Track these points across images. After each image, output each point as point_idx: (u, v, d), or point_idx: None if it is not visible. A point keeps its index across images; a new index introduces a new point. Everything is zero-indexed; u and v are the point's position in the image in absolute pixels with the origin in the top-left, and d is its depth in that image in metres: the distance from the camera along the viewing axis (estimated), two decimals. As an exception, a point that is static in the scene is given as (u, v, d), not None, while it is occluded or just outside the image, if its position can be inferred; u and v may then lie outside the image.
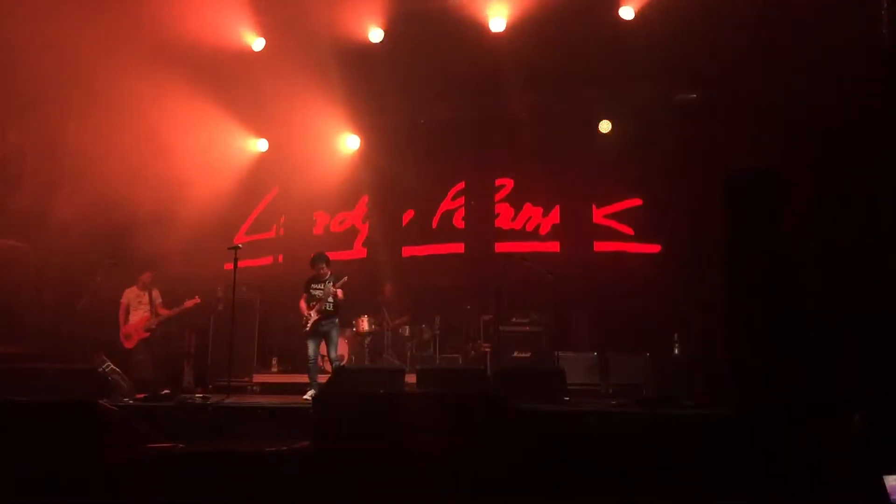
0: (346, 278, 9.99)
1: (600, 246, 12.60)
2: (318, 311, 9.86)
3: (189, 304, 10.74)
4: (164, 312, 10.75)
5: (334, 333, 10.02)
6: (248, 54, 12.19)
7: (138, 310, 10.70)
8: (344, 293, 9.97)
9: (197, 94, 12.40)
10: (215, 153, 13.17)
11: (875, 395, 5.81)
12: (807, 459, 5.38)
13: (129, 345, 10.58)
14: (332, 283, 9.89)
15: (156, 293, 10.83)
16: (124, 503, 5.60)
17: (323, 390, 9.13)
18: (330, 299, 9.89)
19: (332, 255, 10.51)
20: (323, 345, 10.03)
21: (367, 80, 12.39)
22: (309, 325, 9.87)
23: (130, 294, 10.80)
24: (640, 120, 12.16)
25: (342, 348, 10.59)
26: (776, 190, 7.29)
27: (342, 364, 10.54)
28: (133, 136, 12.44)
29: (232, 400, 8.87)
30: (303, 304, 10.04)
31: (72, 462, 5.65)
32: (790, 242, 7.94)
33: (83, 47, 10.72)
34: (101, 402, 6.28)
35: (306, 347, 9.90)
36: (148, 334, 10.60)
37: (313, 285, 10.03)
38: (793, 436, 5.73)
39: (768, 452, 5.66)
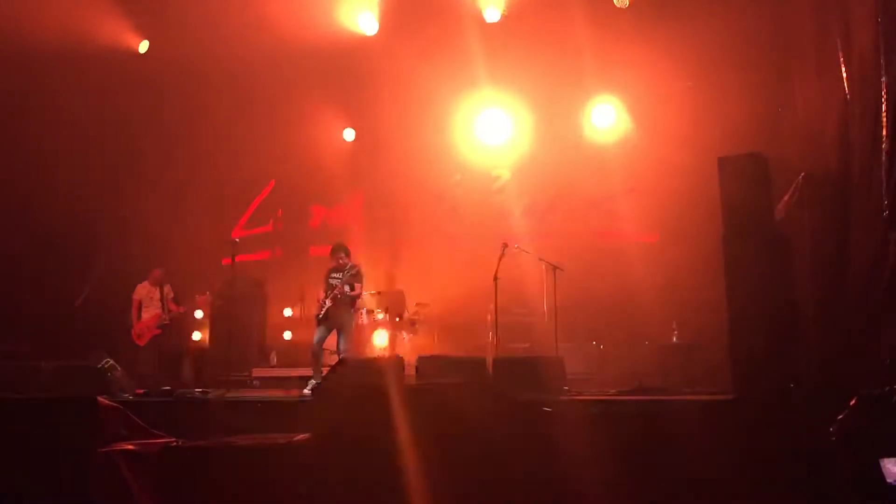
0: (358, 268, 10.02)
1: (599, 235, 12.61)
2: (333, 300, 9.87)
3: (200, 299, 10.75)
4: (176, 309, 10.73)
5: (347, 324, 10.04)
6: (241, 49, 12.16)
7: (150, 306, 10.67)
8: (361, 283, 10.03)
9: (193, 90, 12.41)
10: (214, 148, 13.17)
11: (872, 379, 5.81)
12: (804, 443, 5.39)
13: (141, 342, 10.57)
14: (349, 273, 9.92)
15: (167, 289, 10.78)
16: (124, 499, 5.61)
17: (322, 383, 9.14)
18: (346, 289, 9.90)
19: (329, 248, 10.50)
20: (332, 338, 10.04)
21: (363, 71, 12.39)
22: (322, 312, 9.89)
23: (142, 290, 10.75)
24: (635, 108, 12.14)
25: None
26: (768, 173, 7.29)
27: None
28: (128, 133, 12.46)
29: (231, 394, 8.88)
30: (320, 294, 10.06)
31: (71, 459, 5.65)
32: (785, 225, 7.96)
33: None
34: (100, 398, 6.26)
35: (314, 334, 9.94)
36: (160, 331, 10.56)
37: (332, 274, 10.06)
38: (791, 420, 5.74)
39: (767, 437, 5.67)
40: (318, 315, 9.97)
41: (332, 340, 10.06)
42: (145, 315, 10.64)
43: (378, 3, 11.82)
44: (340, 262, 10.09)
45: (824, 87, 7.92)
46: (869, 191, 6.72)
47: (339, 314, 9.90)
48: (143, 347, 10.52)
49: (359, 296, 10.12)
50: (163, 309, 10.61)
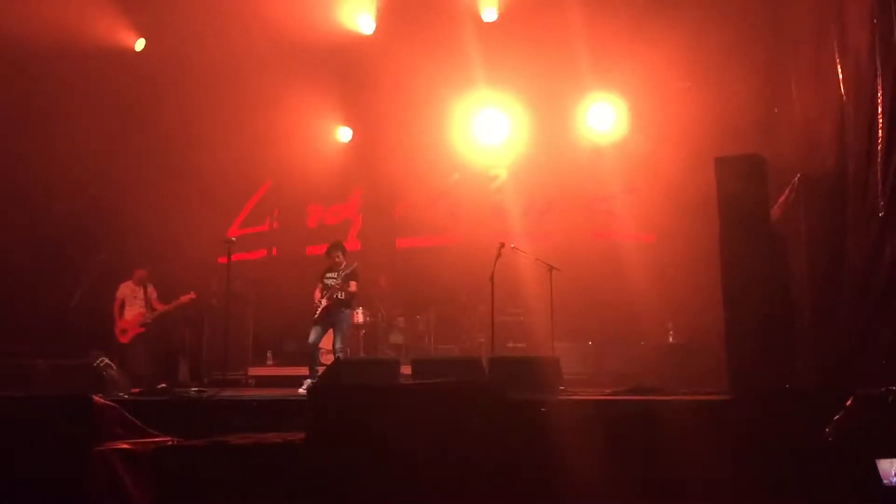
0: (355, 264, 10.02)
1: (595, 235, 12.61)
2: (329, 299, 9.86)
3: (184, 299, 10.76)
4: (160, 307, 10.78)
5: (344, 323, 10.03)
6: (238, 47, 12.14)
7: (133, 305, 10.73)
8: (357, 281, 10.00)
9: (188, 88, 12.38)
10: (210, 146, 13.13)
11: (868, 379, 5.82)
12: (801, 444, 5.39)
13: (124, 339, 10.61)
14: (344, 272, 9.91)
15: (151, 288, 10.87)
16: (120, 498, 5.59)
17: (318, 382, 9.13)
18: (343, 288, 9.88)
19: (325, 248, 10.48)
20: (327, 337, 10.02)
21: (360, 69, 12.38)
22: (318, 312, 9.88)
23: (126, 289, 10.82)
24: (633, 109, 12.14)
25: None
26: (765, 174, 7.28)
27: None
28: (124, 132, 12.43)
29: (227, 393, 8.85)
30: (317, 293, 10.05)
31: (66, 457, 5.63)
32: (782, 226, 7.97)
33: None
34: (95, 396, 6.25)
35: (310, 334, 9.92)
36: (144, 329, 10.64)
37: (328, 274, 10.07)
38: (787, 420, 5.74)
39: (763, 437, 5.67)
40: (314, 315, 9.96)
41: (327, 339, 10.06)
42: (128, 314, 10.70)
43: (375, 2, 11.81)
44: (336, 260, 10.10)
45: (821, 88, 7.94)
46: (865, 191, 6.73)
47: (334, 313, 9.89)
48: (128, 345, 10.59)
49: (355, 295, 10.11)
50: (146, 308, 10.67)
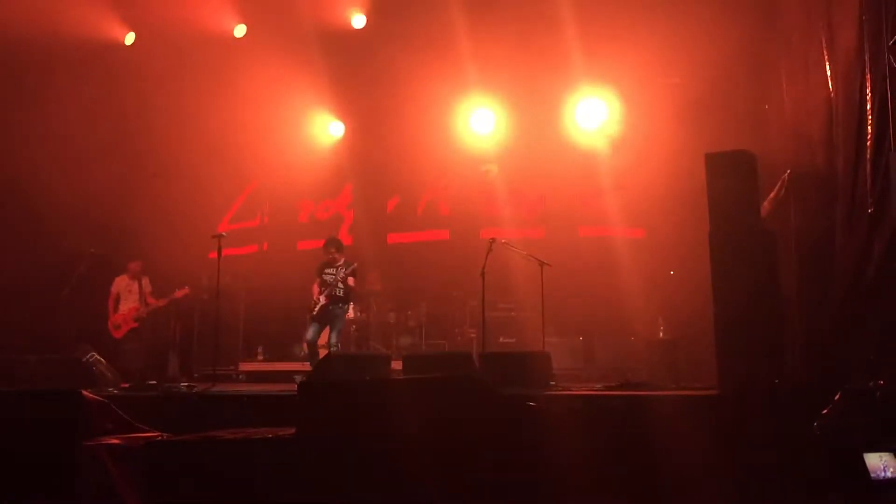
0: (355, 265, 10.02)
1: (585, 231, 12.61)
2: (328, 296, 9.85)
3: (179, 294, 10.71)
4: (154, 302, 10.70)
5: (340, 320, 10.05)
6: (229, 41, 12.12)
7: (128, 299, 10.66)
8: (356, 280, 10.01)
9: (179, 82, 12.34)
10: (201, 141, 13.09)
11: (857, 374, 5.85)
12: (789, 438, 5.41)
13: (117, 334, 10.56)
14: (343, 270, 9.89)
15: (146, 281, 10.79)
16: (109, 493, 5.58)
17: (308, 376, 9.12)
18: (340, 285, 9.88)
19: (317, 243, 10.48)
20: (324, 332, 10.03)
21: (351, 65, 12.36)
22: (316, 309, 9.86)
23: (120, 283, 10.75)
24: (624, 105, 12.14)
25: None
26: (756, 170, 7.30)
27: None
28: (115, 126, 12.38)
29: (217, 388, 8.84)
30: (315, 289, 10.06)
31: (55, 452, 5.61)
32: (771, 222, 8.00)
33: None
34: (85, 391, 6.22)
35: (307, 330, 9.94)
36: (137, 324, 10.56)
37: (326, 270, 10.06)
38: (776, 415, 5.77)
39: (752, 432, 5.69)
40: (312, 311, 9.93)
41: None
42: (123, 308, 10.63)
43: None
44: (333, 256, 10.09)
45: (811, 85, 7.97)
46: (854, 188, 6.77)
47: (332, 310, 9.89)
48: (122, 340, 10.52)
49: (353, 292, 10.10)
50: (140, 302, 10.59)
